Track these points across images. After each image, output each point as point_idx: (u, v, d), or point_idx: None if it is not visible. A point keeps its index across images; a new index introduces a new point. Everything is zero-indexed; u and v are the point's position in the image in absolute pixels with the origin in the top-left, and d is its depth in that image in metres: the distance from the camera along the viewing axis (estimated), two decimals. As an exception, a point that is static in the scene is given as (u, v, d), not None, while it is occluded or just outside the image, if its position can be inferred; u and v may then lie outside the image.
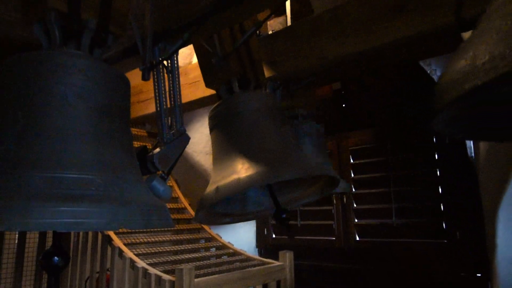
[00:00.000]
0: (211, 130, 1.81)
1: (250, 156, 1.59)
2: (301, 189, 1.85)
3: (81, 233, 2.22)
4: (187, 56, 2.96)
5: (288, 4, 2.25)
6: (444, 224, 2.33)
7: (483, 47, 0.36)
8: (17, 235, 2.26)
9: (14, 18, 1.84)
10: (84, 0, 1.28)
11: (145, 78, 1.49)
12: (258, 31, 2.26)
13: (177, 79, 1.59)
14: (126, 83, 1.33)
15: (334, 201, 2.81)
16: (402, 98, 2.66)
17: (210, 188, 1.60)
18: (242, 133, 1.68)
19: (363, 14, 1.75)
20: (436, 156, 2.44)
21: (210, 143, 3.50)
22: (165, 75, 1.60)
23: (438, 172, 2.41)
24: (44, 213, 0.93)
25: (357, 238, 2.68)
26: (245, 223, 3.37)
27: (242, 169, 1.55)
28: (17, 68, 1.16)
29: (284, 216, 1.67)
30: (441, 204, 2.36)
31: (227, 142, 1.71)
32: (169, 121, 1.60)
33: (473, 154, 2.29)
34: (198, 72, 2.54)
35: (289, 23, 2.19)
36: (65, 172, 1.04)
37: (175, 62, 1.58)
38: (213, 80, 1.96)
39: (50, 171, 1.03)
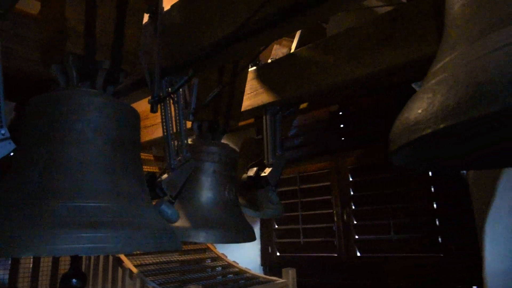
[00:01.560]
0: None
1: (191, 208, 1.80)
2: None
3: (92, 256, 2.32)
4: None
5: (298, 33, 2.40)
6: (439, 238, 2.42)
7: (413, 111, 0.47)
8: (31, 260, 2.37)
9: (33, 57, 2.00)
10: (99, 43, 1.42)
11: (153, 110, 1.62)
12: (257, 60, 2.41)
13: (182, 110, 1.72)
14: (137, 117, 1.46)
15: (335, 218, 2.91)
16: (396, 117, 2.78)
17: None
18: (197, 182, 1.88)
19: (353, 44, 1.89)
20: (430, 173, 2.54)
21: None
22: (171, 105, 1.72)
23: (432, 189, 2.51)
24: (68, 239, 1.04)
25: (358, 254, 2.76)
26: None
27: (180, 219, 1.72)
28: (40, 108, 1.29)
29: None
30: (436, 219, 2.45)
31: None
32: (176, 148, 1.72)
33: (465, 171, 2.39)
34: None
35: (293, 49, 2.33)
36: (85, 201, 1.16)
37: (181, 94, 1.71)
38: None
39: (71, 200, 1.15)
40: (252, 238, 1.92)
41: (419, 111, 0.44)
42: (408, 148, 0.54)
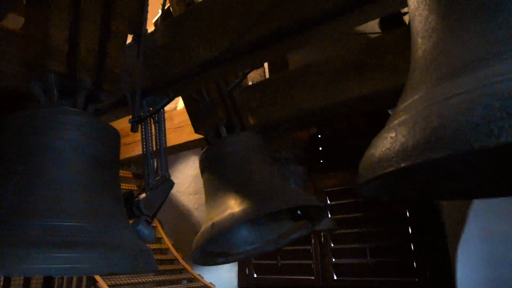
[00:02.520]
0: (202, 172, 1.92)
1: (242, 192, 1.70)
2: (290, 223, 1.95)
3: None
4: (172, 102, 3.12)
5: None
6: (414, 263, 2.46)
7: (378, 149, 0.51)
8: (2, 279, 2.29)
9: (12, 71, 1.99)
10: (81, 63, 1.43)
11: (134, 130, 1.62)
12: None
13: (163, 130, 1.73)
14: (117, 136, 1.47)
15: (313, 241, 2.93)
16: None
17: (206, 225, 1.69)
18: (232, 172, 1.81)
19: (330, 71, 1.95)
20: (405, 197, 2.61)
21: (193, 183, 3.62)
22: (152, 125, 1.74)
23: (407, 213, 2.56)
24: (41, 259, 1.03)
25: (335, 278, 2.78)
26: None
27: (235, 204, 1.65)
28: (18, 125, 1.29)
29: (299, 213, 1.82)
30: (411, 244, 2.50)
31: (219, 181, 1.83)
32: (155, 167, 1.72)
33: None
34: (183, 118, 2.70)
35: (267, 75, 2.39)
36: (60, 220, 1.15)
37: (162, 115, 1.73)
38: (201, 126, 2.11)
39: (47, 219, 1.13)
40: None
41: (383, 149, 0.48)
42: (375, 181, 0.58)
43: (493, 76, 0.41)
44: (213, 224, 1.63)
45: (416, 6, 0.63)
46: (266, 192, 1.69)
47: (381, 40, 1.83)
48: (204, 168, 1.90)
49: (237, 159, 1.83)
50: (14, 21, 2.07)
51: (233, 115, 2.08)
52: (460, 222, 2.06)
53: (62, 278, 2.26)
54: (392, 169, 0.45)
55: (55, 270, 1.04)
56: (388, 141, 0.47)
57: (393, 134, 0.48)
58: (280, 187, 1.76)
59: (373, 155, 0.50)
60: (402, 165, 0.43)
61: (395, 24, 1.96)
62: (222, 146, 1.90)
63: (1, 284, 2.26)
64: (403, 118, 0.49)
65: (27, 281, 2.22)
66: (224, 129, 2.00)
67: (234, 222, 1.61)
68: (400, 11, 2.09)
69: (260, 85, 2.32)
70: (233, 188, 1.74)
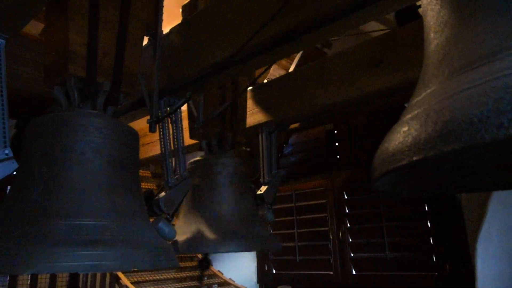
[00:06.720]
0: None
1: (211, 220, 1.81)
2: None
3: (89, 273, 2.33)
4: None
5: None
6: (434, 257, 2.44)
7: (392, 143, 0.52)
8: (29, 277, 2.37)
9: (33, 76, 2.05)
10: (100, 66, 1.47)
11: (152, 130, 1.66)
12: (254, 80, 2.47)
13: (180, 130, 1.76)
14: (136, 137, 1.50)
15: (331, 236, 2.93)
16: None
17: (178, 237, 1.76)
18: (211, 194, 1.90)
19: (346, 67, 1.95)
20: (424, 191, 2.58)
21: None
22: (170, 124, 1.77)
23: (426, 207, 2.54)
24: (68, 257, 1.07)
25: (354, 272, 2.78)
26: (247, 258, 3.45)
27: (202, 230, 1.77)
28: (42, 129, 1.33)
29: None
30: (431, 238, 2.48)
31: (193, 198, 1.93)
32: (173, 166, 1.75)
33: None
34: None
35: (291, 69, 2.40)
36: (84, 220, 1.19)
37: (179, 115, 1.75)
38: (196, 135, 2.19)
39: (72, 219, 1.18)
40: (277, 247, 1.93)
41: (396, 143, 0.49)
42: (390, 176, 0.59)
43: (504, 70, 0.42)
44: (177, 243, 1.71)
45: (429, 0, 0.64)
46: (230, 228, 1.78)
47: (397, 34, 1.82)
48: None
49: (218, 183, 1.92)
50: (30, 26, 2.13)
51: (227, 130, 2.15)
52: (480, 216, 2.04)
53: (87, 274, 2.32)
54: (405, 162, 0.46)
55: (80, 268, 1.08)
56: (401, 135, 0.48)
57: (406, 128, 0.49)
58: (246, 226, 1.84)
59: (387, 148, 0.51)
60: (415, 158, 0.44)
61: (410, 17, 1.94)
62: (208, 165, 1.99)
63: (29, 281, 2.34)
64: (415, 112, 0.50)
65: (53, 278, 2.30)
66: (215, 143, 2.10)
67: (194, 250, 1.76)
68: (415, 4, 2.07)
69: (276, 82, 2.33)
70: (205, 212, 1.84)
